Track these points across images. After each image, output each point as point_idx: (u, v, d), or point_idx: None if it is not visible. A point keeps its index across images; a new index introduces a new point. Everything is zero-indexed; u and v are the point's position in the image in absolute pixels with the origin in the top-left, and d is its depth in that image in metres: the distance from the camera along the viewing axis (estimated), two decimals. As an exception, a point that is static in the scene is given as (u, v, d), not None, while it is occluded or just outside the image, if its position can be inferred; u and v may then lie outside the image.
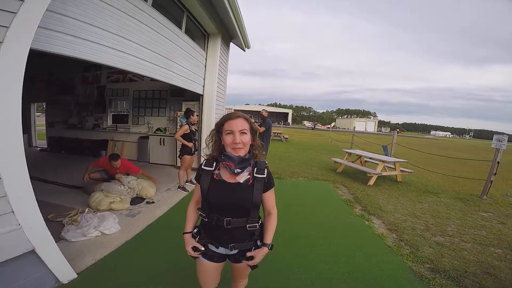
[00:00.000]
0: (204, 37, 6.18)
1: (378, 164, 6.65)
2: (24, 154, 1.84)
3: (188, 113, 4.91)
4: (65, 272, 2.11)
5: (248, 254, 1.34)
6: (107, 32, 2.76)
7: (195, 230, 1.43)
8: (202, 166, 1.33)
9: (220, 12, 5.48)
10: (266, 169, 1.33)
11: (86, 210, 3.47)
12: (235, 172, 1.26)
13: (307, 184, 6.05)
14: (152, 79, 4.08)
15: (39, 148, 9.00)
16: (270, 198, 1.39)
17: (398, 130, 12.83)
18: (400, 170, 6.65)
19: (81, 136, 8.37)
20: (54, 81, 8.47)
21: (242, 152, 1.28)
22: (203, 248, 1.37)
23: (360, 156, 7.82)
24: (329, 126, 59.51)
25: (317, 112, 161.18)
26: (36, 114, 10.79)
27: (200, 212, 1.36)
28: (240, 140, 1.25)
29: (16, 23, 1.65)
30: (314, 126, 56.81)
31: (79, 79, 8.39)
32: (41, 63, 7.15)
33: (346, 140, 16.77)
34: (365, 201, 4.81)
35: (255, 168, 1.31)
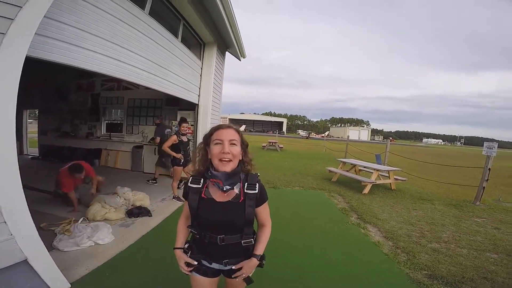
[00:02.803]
0: (200, 46, 6.22)
1: (372, 172, 6.71)
2: (17, 163, 1.80)
3: (180, 122, 4.85)
4: (58, 282, 2.06)
5: (236, 266, 1.26)
6: (102, 40, 2.77)
7: (186, 246, 1.34)
8: (189, 184, 1.24)
9: (216, 20, 5.54)
10: (257, 184, 1.26)
11: (80, 220, 3.41)
12: (224, 189, 1.19)
13: (303, 193, 6.04)
14: (147, 88, 4.08)
15: (30, 156, 8.83)
16: (263, 212, 1.32)
17: (391, 138, 13.01)
18: (394, 178, 6.72)
19: (74, 144, 8.22)
20: (47, 87, 8.38)
21: (230, 167, 1.19)
22: (196, 263, 1.29)
23: (354, 165, 7.87)
24: (323, 135, 60.00)
25: (311, 121, 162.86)
26: (28, 121, 10.63)
27: (191, 230, 1.29)
28: (229, 150, 1.17)
29: (13, 30, 1.65)
30: (309, 135, 57.07)
31: (73, 86, 8.32)
32: (34, 69, 7.08)
33: (340, 149, 16.90)
34: (361, 209, 4.81)
35: (246, 184, 1.23)
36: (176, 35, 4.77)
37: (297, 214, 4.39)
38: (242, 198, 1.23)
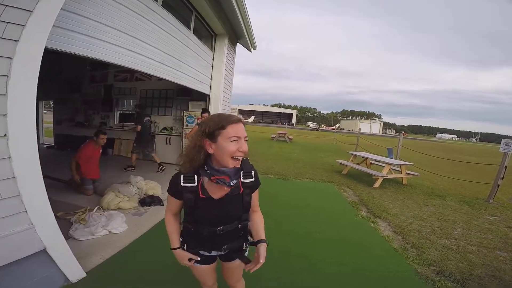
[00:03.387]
0: (211, 38, 6.21)
1: (384, 166, 6.63)
2: (37, 153, 1.87)
3: (202, 112, 4.96)
4: (74, 271, 2.13)
5: (261, 257, 1.19)
6: (119, 32, 2.80)
7: (180, 239, 1.33)
8: (182, 183, 1.15)
9: (228, 12, 5.51)
10: (253, 171, 1.23)
11: (95, 209, 3.52)
12: (232, 184, 1.12)
13: (312, 185, 6.03)
14: (159, 79, 4.13)
15: (46, 145, 9.10)
16: (255, 197, 1.31)
17: (403, 132, 12.71)
18: (406, 173, 6.62)
19: (88, 134, 8.34)
20: (62, 79, 8.55)
21: (240, 163, 1.13)
22: (199, 258, 1.30)
23: (365, 158, 7.78)
24: (333, 127, 59.28)
25: (322, 113, 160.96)
26: (44, 111, 10.93)
27: (186, 224, 1.26)
28: (246, 148, 1.11)
29: (32, 22, 1.67)
30: (319, 127, 56.58)
31: (86, 77, 8.46)
32: (49, 61, 7.23)
33: (351, 142, 16.71)
34: (371, 203, 4.79)
35: (241, 172, 1.17)
36: (188, 27, 4.78)
37: (306, 207, 4.40)
38: (242, 189, 1.21)
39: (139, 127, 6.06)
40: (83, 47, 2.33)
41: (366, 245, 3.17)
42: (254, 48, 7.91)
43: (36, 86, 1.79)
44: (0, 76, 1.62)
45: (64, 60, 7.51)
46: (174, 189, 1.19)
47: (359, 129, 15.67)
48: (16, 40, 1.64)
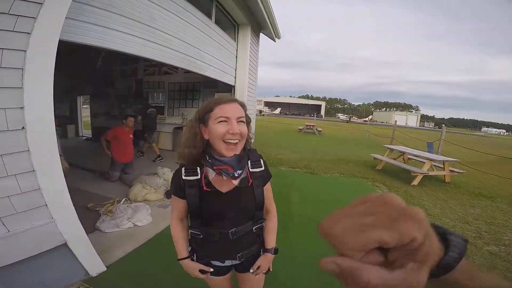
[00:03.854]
0: (234, 28, 6.12)
1: (424, 162, 6.05)
2: (57, 147, 1.86)
3: None
4: (94, 264, 2.14)
5: (253, 268, 1.14)
6: (136, 22, 2.73)
7: (189, 249, 1.17)
8: (183, 177, 1.01)
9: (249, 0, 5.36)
10: (261, 159, 1.10)
11: (123, 200, 3.57)
12: (236, 175, 0.97)
13: (343, 180, 5.69)
14: (186, 71, 4.08)
15: (84, 137, 9.69)
16: (268, 192, 1.14)
17: (444, 125, 11.65)
18: (450, 170, 5.99)
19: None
20: (97, 75, 9.00)
21: (238, 149, 0.98)
22: (211, 270, 1.14)
23: (403, 153, 7.19)
24: (366, 119, 56.67)
25: (353, 104, 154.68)
26: (83, 106, 11.66)
27: (192, 231, 1.11)
28: (238, 129, 0.94)
29: (43, 14, 1.63)
30: (349, 119, 54.34)
31: (118, 72, 8.84)
32: (84, 58, 7.62)
33: (385, 135, 15.74)
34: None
35: (249, 162, 1.05)
36: (210, 17, 4.68)
37: (337, 202, 4.09)
38: (250, 180, 1.05)
39: (139, 118, 6.27)
40: (99, 38, 2.29)
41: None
42: (278, 38, 7.73)
43: (52, 79, 1.76)
44: (15, 69, 1.61)
45: (98, 56, 7.89)
46: (176, 186, 1.06)
47: (395, 121, 14.66)
48: (28, 33, 1.61)
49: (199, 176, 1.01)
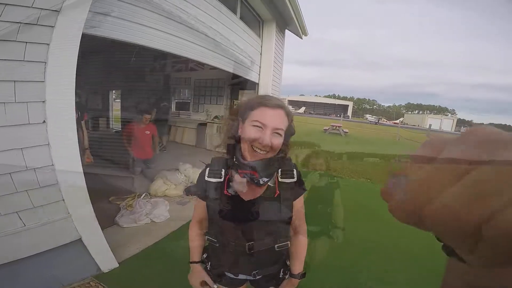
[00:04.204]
0: (258, 24, 5.96)
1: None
2: (76, 142, 1.85)
3: None
4: (107, 261, 2.14)
5: None
6: (166, 18, 2.71)
7: (205, 256, 1.10)
8: (206, 178, 0.94)
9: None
10: (295, 170, 0.96)
11: (143, 195, 3.60)
12: (261, 182, 0.84)
13: (370, 186, 5.41)
14: (212, 68, 4.04)
15: (114, 130, 10.11)
16: (299, 209, 1.00)
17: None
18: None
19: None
20: (127, 70, 9.31)
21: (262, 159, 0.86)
22: (215, 286, 1.05)
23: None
24: (396, 122, 54.02)
25: (382, 105, 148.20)
26: (116, 100, 12.18)
27: (209, 238, 1.03)
28: (270, 142, 0.81)
29: (66, 7, 1.62)
30: (378, 120, 51.98)
31: (147, 68, 9.06)
32: (117, 52, 7.89)
33: (418, 139, 14.82)
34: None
35: (280, 171, 0.93)
36: (235, 12, 4.58)
37: (361, 209, 3.86)
38: (277, 191, 0.93)
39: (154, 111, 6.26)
40: (123, 32, 2.27)
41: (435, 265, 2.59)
42: (305, 35, 7.40)
43: (75, 72, 1.75)
44: (38, 63, 1.61)
45: (129, 51, 8.12)
46: (199, 186, 0.98)
47: (430, 125, 13.72)
48: (52, 26, 1.60)
49: (222, 179, 0.93)
